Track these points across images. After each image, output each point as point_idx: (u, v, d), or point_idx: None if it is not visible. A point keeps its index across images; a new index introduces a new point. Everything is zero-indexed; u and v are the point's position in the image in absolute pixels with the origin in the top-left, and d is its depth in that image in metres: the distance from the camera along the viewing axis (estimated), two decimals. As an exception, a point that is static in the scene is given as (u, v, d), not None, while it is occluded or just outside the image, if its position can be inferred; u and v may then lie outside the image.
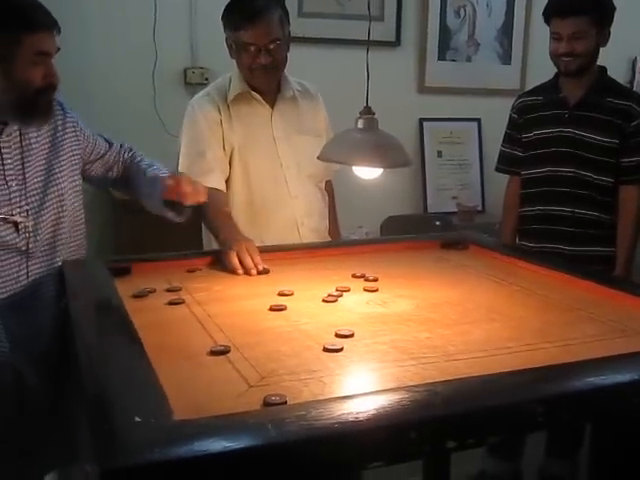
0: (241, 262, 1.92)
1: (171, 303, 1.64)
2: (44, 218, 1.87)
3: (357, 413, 1.00)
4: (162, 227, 3.13)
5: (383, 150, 1.70)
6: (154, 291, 1.74)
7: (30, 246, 1.84)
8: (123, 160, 2.12)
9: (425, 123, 4.09)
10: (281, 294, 1.72)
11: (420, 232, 3.59)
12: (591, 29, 2.39)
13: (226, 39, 2.26)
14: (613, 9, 2.46)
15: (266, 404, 1.09)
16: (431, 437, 1.02)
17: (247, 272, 1.92)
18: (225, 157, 2.27)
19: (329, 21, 3.80)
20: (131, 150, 2.15)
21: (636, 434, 1.51)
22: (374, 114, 1.71)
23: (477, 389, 1.11)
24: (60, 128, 1.94)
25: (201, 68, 3.65)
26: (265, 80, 2.26)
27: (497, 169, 2.77)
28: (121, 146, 2.13)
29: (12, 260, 1.82)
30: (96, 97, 3.41)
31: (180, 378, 1.21)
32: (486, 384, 1.13)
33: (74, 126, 1.98)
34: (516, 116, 2.67)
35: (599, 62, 2.51)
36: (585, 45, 2.40)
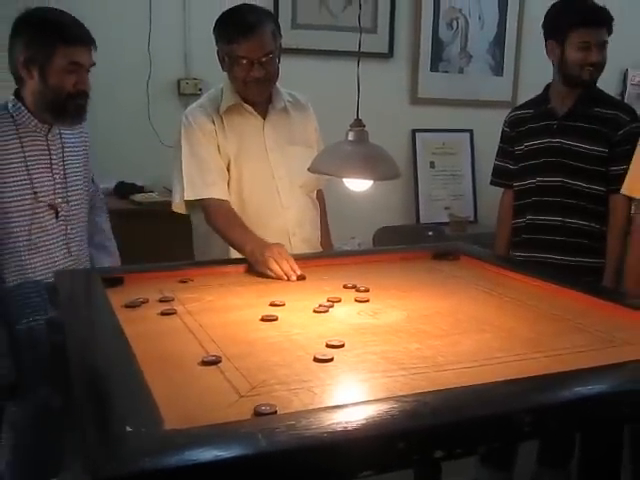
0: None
1: (163, 313, 1.65)
2: (79, 211, 2.20)
3: (346, 423, 1.01)
4: (152, 237, 3.16)
5: (373, 162, 1.72)
6: (146, 301, 1.74)
7: (68, 232, 2.14)
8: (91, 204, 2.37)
9: (418, 134, 4.11)
10: (272, 304, 1.73)
11: (413, 243, 3.60)
12: (607, 39, 2.47)
13: (217, 52, 2.27)
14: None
15: (256, 414, 1.10)
16: (419, 447, 1.03)
17: (287, 278, 1.95)
18: (225, 166, 2.29)
19: (323, 32, 3.83)
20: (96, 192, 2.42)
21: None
22: (364, 126, 1.73)
23: (465, 399, 1.12)
24: (86, 146, 2.27)
25: (194, 79, 3.68)
26: (258, 92, 2.27)
27: (492, 182, 2.80)
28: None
29: (58, 245, 2.12)
30: (90, 107, 3.41)
31: (171, 388, 1.21)
32: (475, 394, 1.14)
33: (87, 153, 2.29)
34: (508, 130, 2.70)
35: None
36: (605, 54, 2.49)
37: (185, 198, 2.26)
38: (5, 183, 2.01)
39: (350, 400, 1.19)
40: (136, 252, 3.05)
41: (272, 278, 1.97)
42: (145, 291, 1.82)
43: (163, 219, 3.23)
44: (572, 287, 1.84)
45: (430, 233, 3.65)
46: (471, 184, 4.25)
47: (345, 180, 1.80)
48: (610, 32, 2.47)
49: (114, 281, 1.89)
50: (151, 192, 3.51)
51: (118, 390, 1.14)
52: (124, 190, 3.48)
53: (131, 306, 1.70)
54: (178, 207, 2.32)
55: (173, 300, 1.76)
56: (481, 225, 4.18)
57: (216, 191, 2.24)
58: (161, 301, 1.75)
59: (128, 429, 0.99)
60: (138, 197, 3.42)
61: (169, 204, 3.35)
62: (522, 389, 1.16)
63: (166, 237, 3.16)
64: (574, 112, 2.52)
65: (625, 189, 2.27)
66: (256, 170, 2.31)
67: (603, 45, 2.46)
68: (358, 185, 1.82)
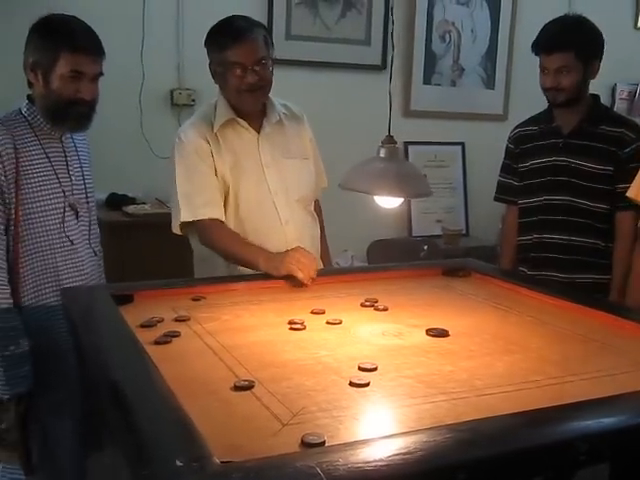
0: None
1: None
2: (96, 212, 2.25)
3: (405, 454, 0.97)
4: (145, 249, 3.11)
5: (405, 180, 1.69)
6: (162, 320, 1.69)
7: (90, 232, 2.18)
8: None
9: (410, 147, 4.09)
10: (292, 323, 1.68)
11: (408, 256, 3.58)
12: (577, 64, 2.42)
13: (209, 65, 2.23)
14: (601, 43, 2.49)
15: (305, 444, 1.06)
16: (479, 477, 1.00)
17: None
18: (221, 186, 2.24)
19: (316, 44, 3.81)
20: None
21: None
22: (396, 143, 1.70)
23: (519, 427, 1.10)
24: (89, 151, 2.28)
25: (187, 89, 3.62)
26: (252, 101, 2.22)
27: (495, 198, 2.78)
28: None
29: (83, 244, 2.14)
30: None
31: (208, 416, 1.17)
32: (528, 421, 1.11)
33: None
34: (512, 146, 2.69)
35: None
36: (571, 79, 2.43)
37: (182, 220, 2.19)
38: (36, 183, 2.04)
39: (396, 428, 1.15)
40: (128, 264, 3.01)
41: (291, 284, 2.00)
42: (158, 309, 1.77)
43: (155, 231, 3.18)
44: (591, 306, 1.83)
45: (425, 247, 3.63)
46: (463, 197, 4.25)
47: (376, 197, 1.77)
48: (586, 55, 2.43)
49: (124, 298, 1.83)
50: (143, 204, 3.45)
51: (160, 421, 1.09)
52: (116, 201, 3.41)
53: (147, 326, 1.64)
54: (177, 229, 2.25)
55: (189, 319, 1.71)
56: (473, 238, 4.18)
57: (212, 211, 2.19)
58: (177, 320, 1.70)
59: (179, 464, 0.94)
60: (130, 209, 3.35)
61: (161, 216, 3.32)
62: (575, 416, 1.14)
63: (159, 249, 3.11)
64: (579, 130, 2.51)
65: (631, 192, 2.25)
66: (252, 186, 2.26)
67: (562, 70, 2.42)
68: (389, 202, 1.79)
